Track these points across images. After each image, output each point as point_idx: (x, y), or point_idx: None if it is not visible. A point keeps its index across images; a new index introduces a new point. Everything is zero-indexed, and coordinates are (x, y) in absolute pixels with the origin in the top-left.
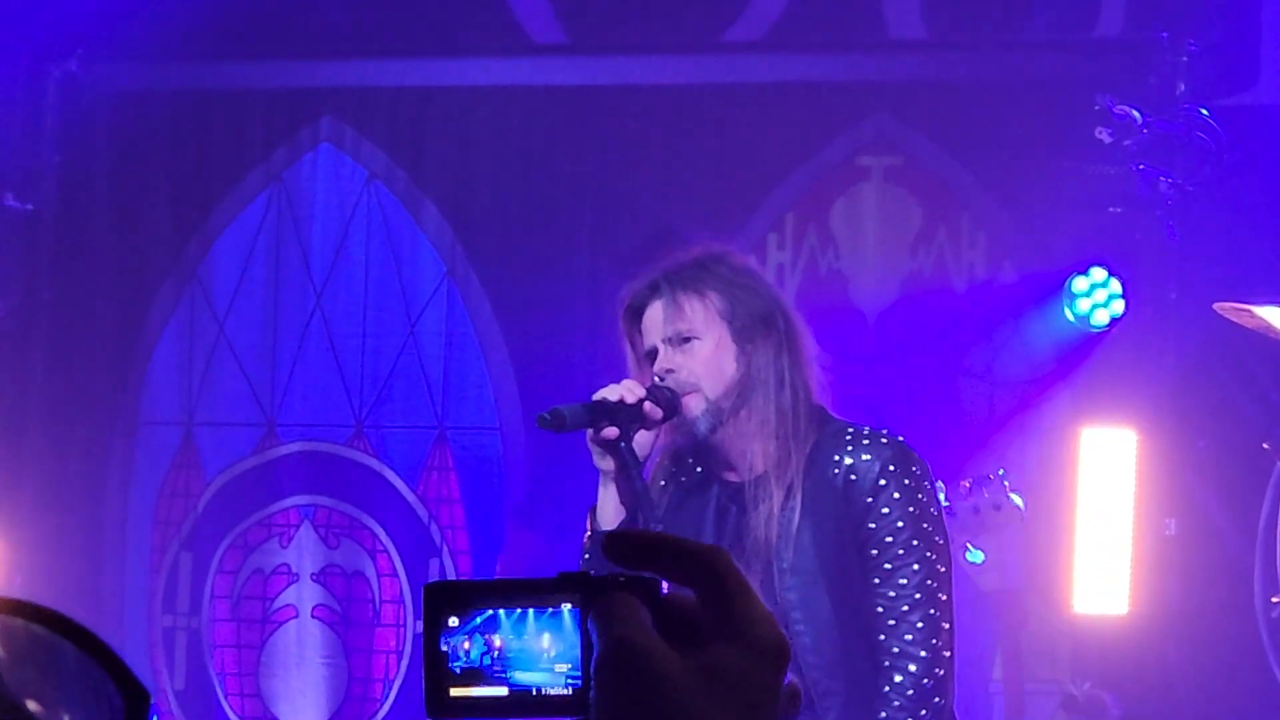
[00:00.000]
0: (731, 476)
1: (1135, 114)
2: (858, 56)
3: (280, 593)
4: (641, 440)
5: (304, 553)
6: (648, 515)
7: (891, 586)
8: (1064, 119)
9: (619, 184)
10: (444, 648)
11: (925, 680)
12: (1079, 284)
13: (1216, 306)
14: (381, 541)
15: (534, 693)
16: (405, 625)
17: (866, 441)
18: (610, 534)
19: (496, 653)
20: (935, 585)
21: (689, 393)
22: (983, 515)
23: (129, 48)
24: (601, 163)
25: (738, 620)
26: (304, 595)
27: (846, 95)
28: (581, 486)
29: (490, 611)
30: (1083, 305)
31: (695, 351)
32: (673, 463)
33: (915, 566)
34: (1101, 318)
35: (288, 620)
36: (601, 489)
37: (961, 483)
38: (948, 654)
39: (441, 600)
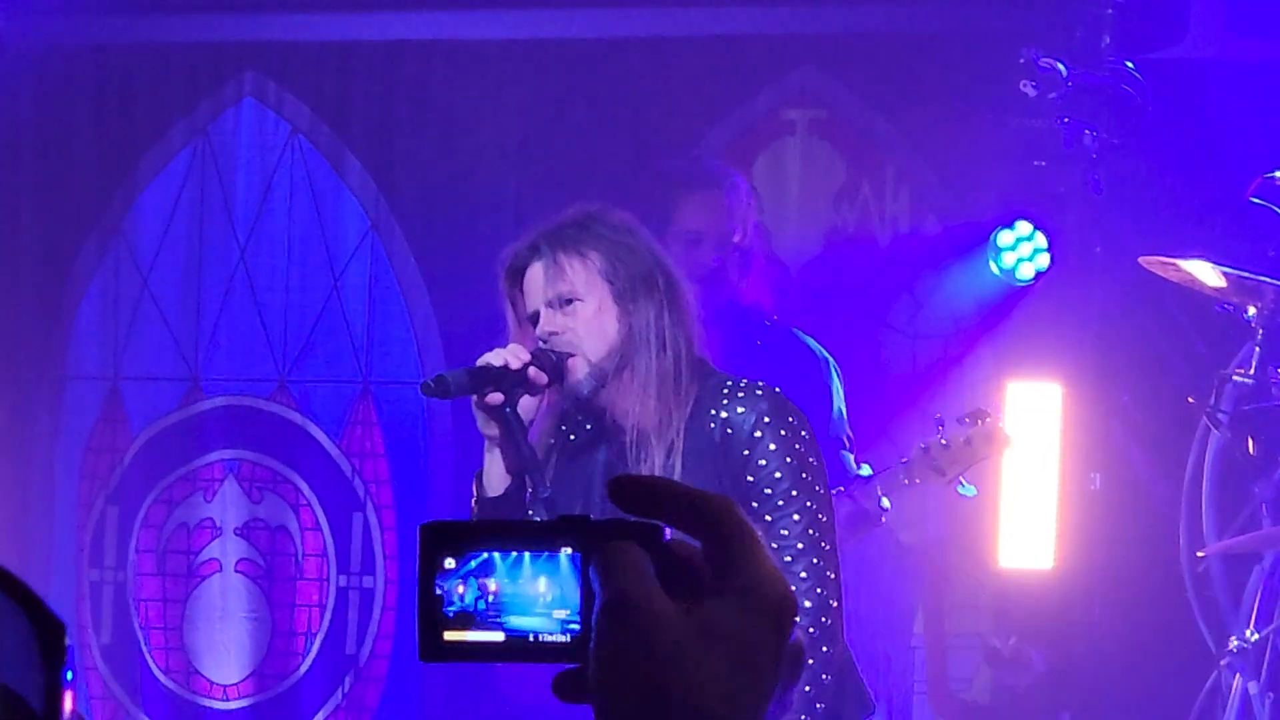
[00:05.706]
0: (617, 437)
1: (1060, 67)
2: (783, 10)
3: (204, 547)
4: (526, 404)
5: (228, 507)
6: (535, 480)
7: (773, 538)
8: (989, 72)
9: (543, 138)
10: (438, 591)
11: (811, 629)
12: (1004, 237)
13: (1142, 260)
14: (305, 496)
15: (531, 639)
16: (328, 579)
17: (742, 394)
18: (618, 478)
19: (491, 597)
20: (817, 534)
21: (572, 356)
22: (975, 446)
23: (51, 2)
24: (525, 117)
25: (743, 574)
26: (228, 550)
27: (771, 48)
28: None
29: (485, 554)
30: (1008, 259)
31: (577, 313)
32: (558, 426)
33: (795, 517)
34: (1027, 271)
35: (211, 574)
36: (487, 454)
37: (936, 417)
38: (835, 604)
39: (437, 541)
